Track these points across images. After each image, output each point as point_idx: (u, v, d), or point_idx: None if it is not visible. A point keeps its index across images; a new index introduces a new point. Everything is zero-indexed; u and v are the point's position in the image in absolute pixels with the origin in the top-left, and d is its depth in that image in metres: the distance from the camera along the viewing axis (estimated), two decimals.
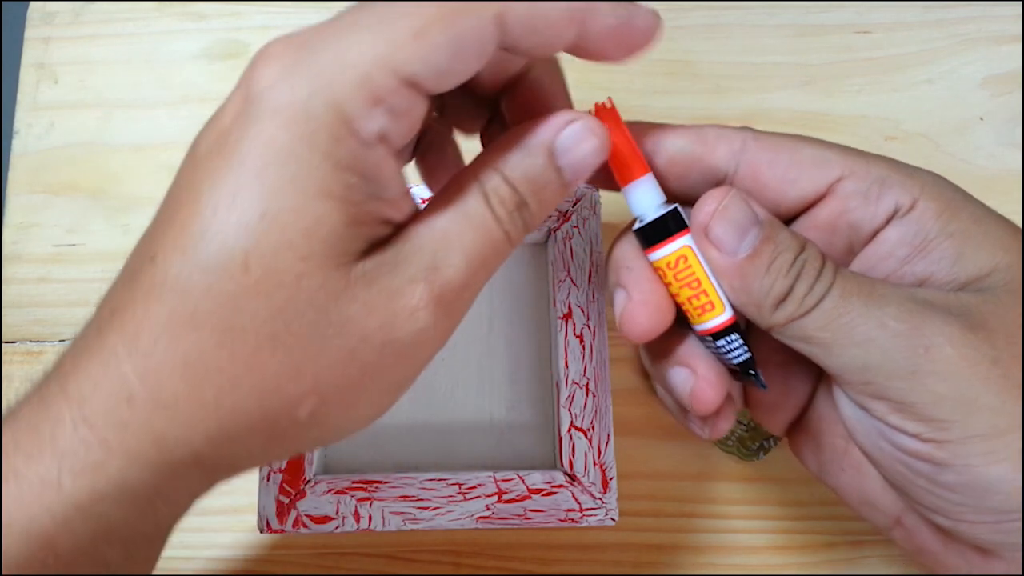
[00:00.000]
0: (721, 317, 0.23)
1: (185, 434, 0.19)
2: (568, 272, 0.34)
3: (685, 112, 0.40)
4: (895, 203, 0.22)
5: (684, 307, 0.23)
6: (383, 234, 0.20)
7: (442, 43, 0.18)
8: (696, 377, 0.24)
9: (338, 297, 0.19)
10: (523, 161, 0.21)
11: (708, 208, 0.22)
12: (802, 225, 0.24)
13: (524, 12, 0.19)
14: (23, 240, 0.39)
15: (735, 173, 0.24)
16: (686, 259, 0.23)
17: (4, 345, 0.38)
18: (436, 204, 0.21)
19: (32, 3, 0.41)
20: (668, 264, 0.23)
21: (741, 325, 0.23)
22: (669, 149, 0.24)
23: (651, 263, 0.23)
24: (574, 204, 0.34)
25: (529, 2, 0.19)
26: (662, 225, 0.23)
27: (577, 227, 0.34)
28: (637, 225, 0.23)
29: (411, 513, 0.31)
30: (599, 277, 0.34)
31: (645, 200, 0.23)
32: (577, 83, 0.42)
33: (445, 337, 0.21)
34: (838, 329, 0.21)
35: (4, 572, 0.18)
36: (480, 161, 0.21)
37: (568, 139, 0.21)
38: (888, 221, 0.23)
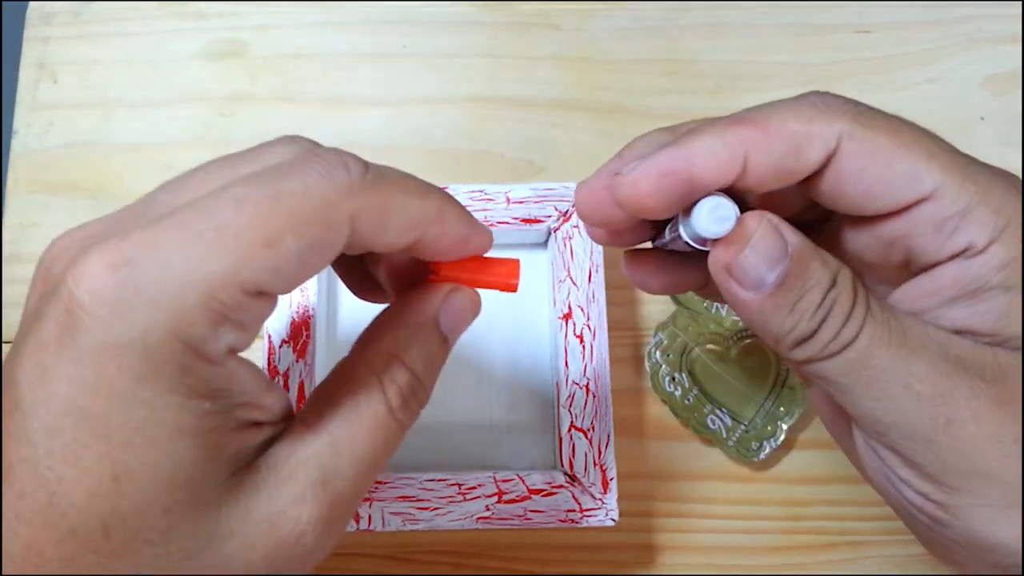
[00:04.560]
0: None
1: None
2: (568, 272, 0.34)
3: (685, 112, 0.40)
4: (967, 242, 0.20)
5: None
6: (255, 440, 0.19)
7: (294, 252, 0.18)
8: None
9: (212, 540, 0.18)
10: (418, 340, 0.21)
11: (734, 249, 0.20)
12: (863, 231, 0.22)
13: (375, 216, 0.19)
14: (23, 240, 0.39)
15: (822, 174, 0.21)
16: None
17: (4, 345, 0.37)
18: (322, 403, 0.20)
19: (32, 3, 0.41)
20: None
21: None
22: (761, 168, 0.21)
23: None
24: (574, 204, 0.34)
25: (386, 201, 0.19)
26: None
27: (577, 227, 0.34)
28: (693, 240, 0.21)
29: (411, 513, 0.31)
30: (599, 277, 0.34)
31: (715, 232, 0.21)
32: (578, 83, 0.43)
33: (331, 546, 0.20)
34: (859, 380, 0.20)
35: None
36: (370, 349, 0.21)
37: (451, 306, 0.23)
38: (952, 257, 0.20)
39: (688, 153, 0.20)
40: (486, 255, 0.23)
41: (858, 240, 0.22)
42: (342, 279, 0.25)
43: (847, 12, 0.41)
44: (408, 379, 0.21)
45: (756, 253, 0.20)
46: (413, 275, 0.23)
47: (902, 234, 0.21)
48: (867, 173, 0.21)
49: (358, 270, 0.25)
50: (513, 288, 0.23)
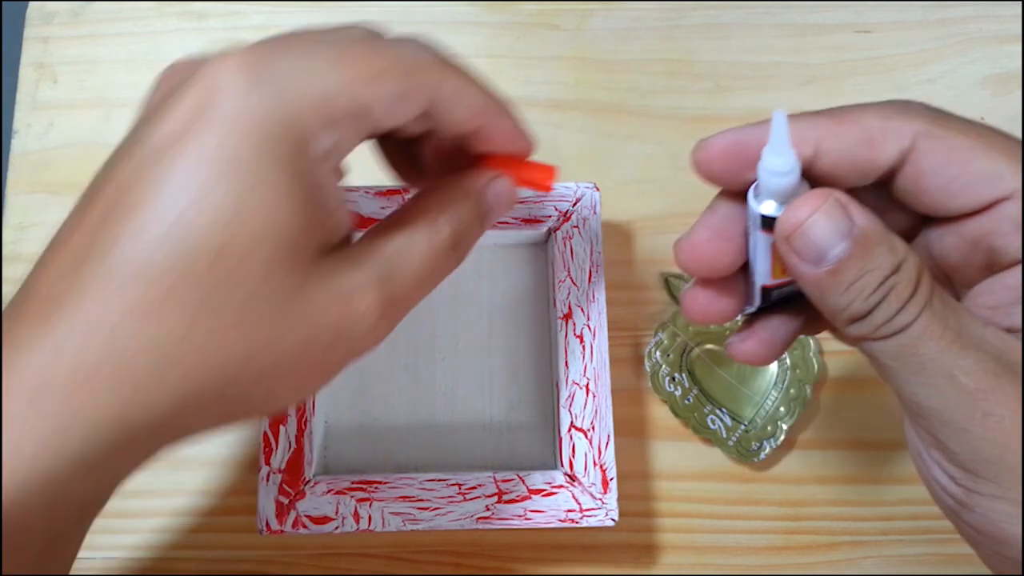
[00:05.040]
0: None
1: (146, 411, 0.20)
2: (568, 272, 0.34)
3: (685, 112, 0.40)
4: None
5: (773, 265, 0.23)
6: (330, 241, 0.22)
7: (395, 89, 0.22)
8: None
9: (297, 294, 0.21)
10: (464, 204, 0.25)
11: (797, 217, 0.21)
12: (948, 232, 0.23)
13: (454, 91, 0.23)
14: (23, 240, 0.39)
15: (900, 171, 0.22)
16: None
17: None
18: (392, 226, 0.24)
19: (32, 3, 0.41)
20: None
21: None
22: (832, 152, 0.22)
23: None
24: (574, 204, 0.34)
25: (463, 82, 0.23)
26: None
27: (577, 227, 0.34)
28: (766, 212, 0.22)
29: (411, 513, 0.31)
30: (599, 277, 0.34)
31: (785, 195, 0.21)
32: (578, 83, 0.43)
33: (382, 339, 0.24)
34: (907, 365, 0.20)
35: None
36: (419, 204, 0.25)
37: (495, 187, 0.26)
38: None
39: (760, 129, 0.22)
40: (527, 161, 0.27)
41: (943, 242, 0.23)
42: (387, 159, 0.28)
43: (847, 12, 0.41)
44: (455, 227, 0.24)
45: (817, 227, 0.20)
46: (455, 162, 0.26)
47: (984, 232, 0.21)
48: (946, 170, 0.21)
49: (403, 152, 0.27)
50: (548, 188, 0.27)
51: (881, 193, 0.23)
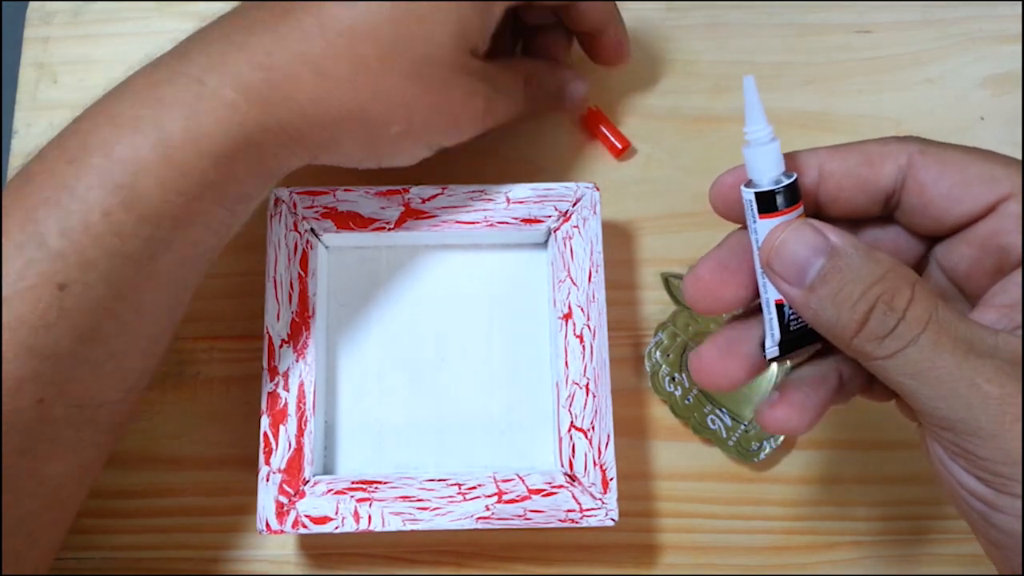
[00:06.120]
0: None
1: (318, 110, 0.28)
2: (568, 272, 0.34)
3: (685, 112, 0.40)
4: None
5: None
6: (480, 48, 0.31)
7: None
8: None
9: (454, 73, 0.30)
10: (552, 75, 0.37)
11: (771, 241, 0.22)
12: (956, 242, 0.23)
13: None
14: None
15: (901, 189, 0.23)
16: None
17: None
18: (505, 68, 0.34)
19: (32, 3, 0.41)
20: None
21: None
22: (836, 173, 0.24)
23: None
24: (574, 204, 0.34)
25: None
26: (789, 193, 0.23)
27: (577, 227, 0.34)
28: (757, 189, 0.23)
29: (411, 513, 0.31)
30: (599, 277, 0.34)
31: (767, 164, 0.23)
32: None
33: (470, 135, 0.33)
34: (925, 380, 0.20)
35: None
36: (533, 65, 0.36)
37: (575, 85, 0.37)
38: None
39: None
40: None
41: (953, 254, 0.23)
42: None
43: (847, 12, 0.41)
44: (539, 81, 0.36)
45: (789, 245, 0.22)
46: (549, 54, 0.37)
47: (991, 233, 0.22)
48: (944, 178, 0.22)
49: (508, 30, 0.36)
50: (617, 152, 0.39)
51: (889, 227, 0.24)
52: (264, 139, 0.28)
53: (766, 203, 0.23)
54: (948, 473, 0.22)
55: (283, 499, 0.31)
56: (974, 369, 0.20)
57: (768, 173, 0.23)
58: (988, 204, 0.22)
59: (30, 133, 0.40)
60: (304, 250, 0.34)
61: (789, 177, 0.23)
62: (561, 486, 0.32)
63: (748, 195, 0.23)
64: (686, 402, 0.36)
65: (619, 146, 0.39)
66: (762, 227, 0.23)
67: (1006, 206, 0.22)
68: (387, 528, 0.31)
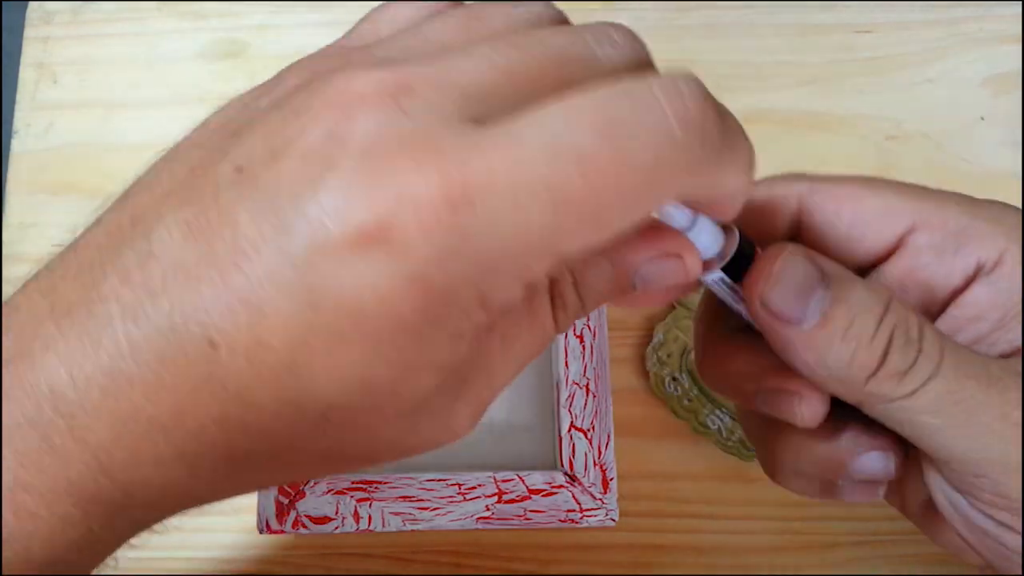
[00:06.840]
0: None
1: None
2: None
3: None
4: (976, 260, 0.19)
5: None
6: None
7: (613, 230, 0.15)
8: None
9: (404, 437, 0.18)
10: (603, 273, 0.19)
11: (762, 273, 0.19)
12: (878, 276, 0.21)
13: (704, 193, 0.17)
14: (23, 240, 0.39)
15: (799, 234, 0.21)
16: None
17: None
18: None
19: (32, 3, 0.41)
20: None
21: None
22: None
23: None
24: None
25: (714, 179, 0.16)
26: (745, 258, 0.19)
27: None
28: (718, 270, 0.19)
29: (411, 513, 0.31)
30: None
31: (709, 239, 0.19)
32: None
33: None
34: (952, 416, 0.18)
35: None
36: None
37: (656, 267, 0.18)
38: (969, 281, 0.19)
39: (781, 184, 0.21)
40: None
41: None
42: None
43: (847, 12, 0.41)
44: (576, 301, 0.19)
45: (786, 280, 0.18)
46: None
47: (907, 270, 0.20)
48: (841, 217, 0.20)
49: None
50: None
51: None
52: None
53: (732, 265, 0.19)
54: (958, 516, 0.20)
55: (283, 499, 0.31)
56: (1001, 396, 0.18)
57: (713, 246, 0.19)
58: (892, 239, 0.20)
59: (30, 133, 0.40)
60: None
61: (728, 232, 0.19)
62: (561, 486, 0.32)
63: (714, 277, 0.19)
64: (686, 402, 0.36)
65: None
66: (730, 295, 0.20)
67: (914, 238, 0.20)
68: (387, 528, 0.31)
